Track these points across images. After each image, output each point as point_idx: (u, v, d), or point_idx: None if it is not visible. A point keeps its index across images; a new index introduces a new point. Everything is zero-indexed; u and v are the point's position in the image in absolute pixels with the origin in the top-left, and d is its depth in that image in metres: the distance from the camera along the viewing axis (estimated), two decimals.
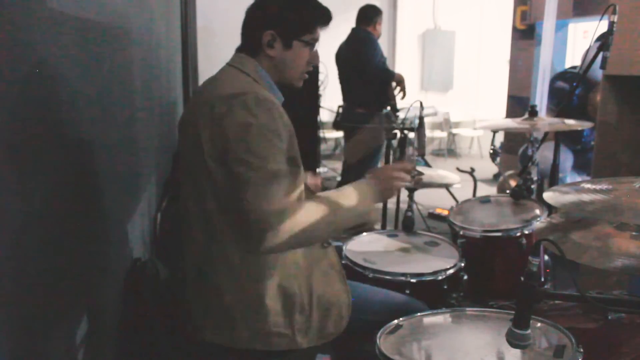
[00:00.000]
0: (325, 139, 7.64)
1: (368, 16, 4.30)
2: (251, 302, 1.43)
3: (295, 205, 1.34)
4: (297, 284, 1.46)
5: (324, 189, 1.71)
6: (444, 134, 8.50)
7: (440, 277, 1.85)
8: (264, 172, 1.31)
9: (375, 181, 1.51)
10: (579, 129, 2.41)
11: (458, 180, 2.39)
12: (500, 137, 6.09)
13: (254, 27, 1.50)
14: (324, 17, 1.53)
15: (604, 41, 2.14)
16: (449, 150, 8.47)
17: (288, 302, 1.45)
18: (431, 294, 1.77)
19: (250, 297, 1.43)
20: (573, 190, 1.35)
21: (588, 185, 1.36)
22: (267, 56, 1.49)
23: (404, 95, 4.28)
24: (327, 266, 1.54)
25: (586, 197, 1.28)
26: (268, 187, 1.30)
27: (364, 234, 2.20)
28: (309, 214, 1.34)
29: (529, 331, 1.08)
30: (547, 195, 1.34)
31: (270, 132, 1.35)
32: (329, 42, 1.57)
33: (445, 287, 1.87)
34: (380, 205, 3.42)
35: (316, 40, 1.54)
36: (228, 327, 1.44)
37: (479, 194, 3.01)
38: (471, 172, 3.51)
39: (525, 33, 5.79)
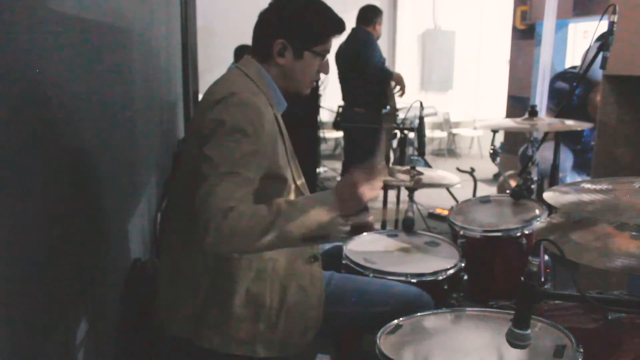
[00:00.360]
0: (325, 139, 7.64)
1: (368, 16, 4.31)
2: (218, 303, 1.42)
3: (243, 208, 1.24)
4: (269, 293, 1.44)
5: (323, 189, 1.73)
6: (444, 134, 8.50)
7: (440, 277, 1.85)
8: (220, 170, 1.26)
9: (338, 193, 1.33)
10: (579, 129, 2.41)
11: (458, 180, 2.39)
12: (500, 137, 6.09)
13: (265, 33, 1.48)
14: (338, 27, 1.50)
15: (604, 41, 2.15)
16: (449, 150, 8.47)
17: (256, 310, 1.43)
18: (431, 294, 1.77)
19: (218, 297, 1.42)
20: (573, 190, 1.35)
21: (588, 186, 1.36)
22: (276, 64, 1.48)
23: (403, 93, 4.29)
24: (308, 282, 1.50)
25: (586, 197, 1.28)
26: (220, 185, 1.24)
27: (364, 234, 2.19)
28: (257, 218, 1.23)
29: (529, 331, 1.08)
30: (547, 195, 1.34)
31: (241, 133, 1.30)
32: None
33: (446, 287, 1.87)
34: (381, 204, 3.41)
35: (328, 51, 1.52)
36: (196, 326, 1.44)
37: (479, 194, 3.01)
38: (471, 172, 3.51)
39: (525, 33, 5.79)
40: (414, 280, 1.81)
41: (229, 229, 1.20)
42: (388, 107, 4.27)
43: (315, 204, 1.29)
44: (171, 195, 1.54)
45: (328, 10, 1.50)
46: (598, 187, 1.34)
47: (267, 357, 1.45)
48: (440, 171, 2.57)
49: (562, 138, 2.68)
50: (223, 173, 1.26)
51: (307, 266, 1.51)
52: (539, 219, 2.17)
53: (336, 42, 4.67)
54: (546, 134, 2.61)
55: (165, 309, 1.50)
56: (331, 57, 4.89)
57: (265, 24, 1.50)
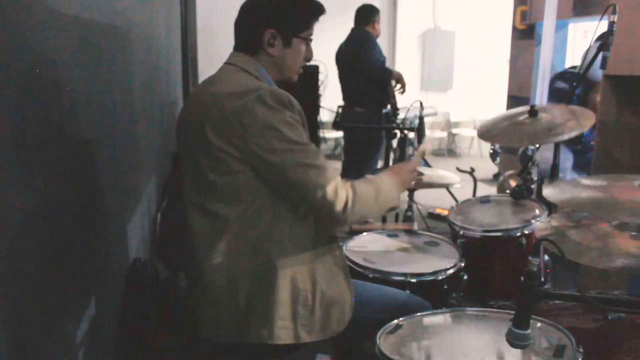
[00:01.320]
0: (325, 139, 7.64)
1: (366, 16, 4.31)
2: (264, 295, 1.43)
3: (353, 184, 1.44)
4: (301, 278, 1.46)
5: None
6: (444, 134, 8.50)
7: (440, 277, 1.85)
8: (305, 151, 1.38)
9: (395, 176, 1.60)
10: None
11: (458, 180, 2.39)
12: None
13: (252, 26, 1.50)
14: (319, 11, 1.54)
15: (604, 41, 2.14)
16: (449, 150, 8.47)
17: (294, 296, 1.45)
18: (431, 294, 1.77)
19: (263, 290, 1.43)
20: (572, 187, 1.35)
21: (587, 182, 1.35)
22: (267, 55, 1.50)
23: (404, 91, 4.29)
24: (331, 262, 1.53)
25: (584, 194, 1.28)
26: (316, 163, 1.38)
27: (364, 233, 2.20)
28: (368, 193, 1.46)
29: (529, 331, 1.08)
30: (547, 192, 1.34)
31: (294, 120, 1.40)
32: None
33: (445, 287, 1.87)
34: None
35: (311, 35, 1.56)
36: (240, 322, 1.44)
37: (479, 194, 3.01)
38: (471, 172, 3.51)
39: (525, 33, 5.79)
40: (413, 280, 1.81)
41: (357, 200, 1.41)
42: (389, 106, 4.27)
43: (390, 183, 1.55)
44: (188, 202, 1.51)
45: None
46: (596, 183, 1.34)
47: (309, 341, 1.47)
48: (440, 171, 2.57)
49: None
50: (309, 153, 1.39)
51: (327, 247, 1.53)
52: (539, 219, 2.17)
53: (336, 42, 4.67)
54: None
55: (212, 319, 1.49)
56: (331, 57, 4.87)
57: (250, 17, 1.51)
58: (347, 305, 1.53)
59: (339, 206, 1.38)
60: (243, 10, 1.52)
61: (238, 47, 1.53)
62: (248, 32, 1.51)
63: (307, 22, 1.52)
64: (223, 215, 1.42)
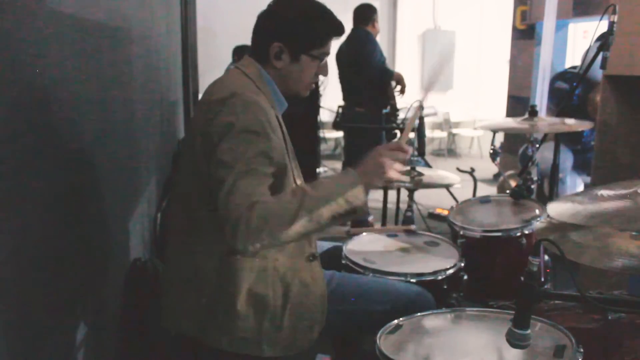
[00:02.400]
0: (325, 139, 7.64)
1: (366, 16, 4.31)
2: (223, 304, 1.42)
3: (267, 199, 1.26)
4: (272, 292, 1.44)
5: None
6: (444, 134, 8.50)
7: (440, 277, 1.85)
8: (237, 170, 1.26)
9: (361, 166, 1.35)
10: (579, 129, 2.41)
11: (458, 181, 2.39)
12: (500, 137, 6.09)
13: (262, 36, 1.49)
14: (336, 31, 1.51)
15: (604, 41, 2.14)
16: (449, 150, 8.46)
17: (260, 309, 1.43)
18: (431, 294, 1.77)
19: (222, 298, 1.42)
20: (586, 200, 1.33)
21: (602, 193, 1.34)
22: (273, 67, 1.48)
23: (404, 92, 4.29)
24: (309, 279, 1.50)
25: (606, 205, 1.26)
26: (240, 183, 1.25)
27: (364, 234, 2.19)
28: (283, 204, 1.25)
29: (529, 331, 1.08)
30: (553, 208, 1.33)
31: (251, 133, 1.31)
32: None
33: (445, 287, 1.87)
34: (373, 201, 3.42)
35: (327, 53, 1.52)
36: (203, 326, 1.45)
37: (479, 194, 3.01)
38: (471, 172, 3.51)
39: (525, 33, 5.78)
40: (413, 280, 1.81)
41: (258, 221, 1.21)
42: (388, 107, 4.27)
43: (339, 180, 1.33)
44: (173, 197, 1.54)
45: (326, 14, 1.50)
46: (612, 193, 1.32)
47: (273, 356, 1.45)
48: (440, 171, 2.57)
49: (562, 138, 2.68)
50: (241, 172, 1.27)
51: (307, 264, 1.51)
52: (539, 219, 2.17)
53: (336, 43, 4.67)
54: (546, 134, 2.61)
55: (172, 310, 1.50)
56: (331, 58, 4.86)
57: (262, 27, 1.50)
58: (317, 324, 1.51)
59: (241, 233, 1.21)
60: (259, 18, 1.51)
61: (250, 53, 1.53)
62: (258, 41, 1.50)
63: (321, 41, 1.48)
64: (198, 219, 1.42)
